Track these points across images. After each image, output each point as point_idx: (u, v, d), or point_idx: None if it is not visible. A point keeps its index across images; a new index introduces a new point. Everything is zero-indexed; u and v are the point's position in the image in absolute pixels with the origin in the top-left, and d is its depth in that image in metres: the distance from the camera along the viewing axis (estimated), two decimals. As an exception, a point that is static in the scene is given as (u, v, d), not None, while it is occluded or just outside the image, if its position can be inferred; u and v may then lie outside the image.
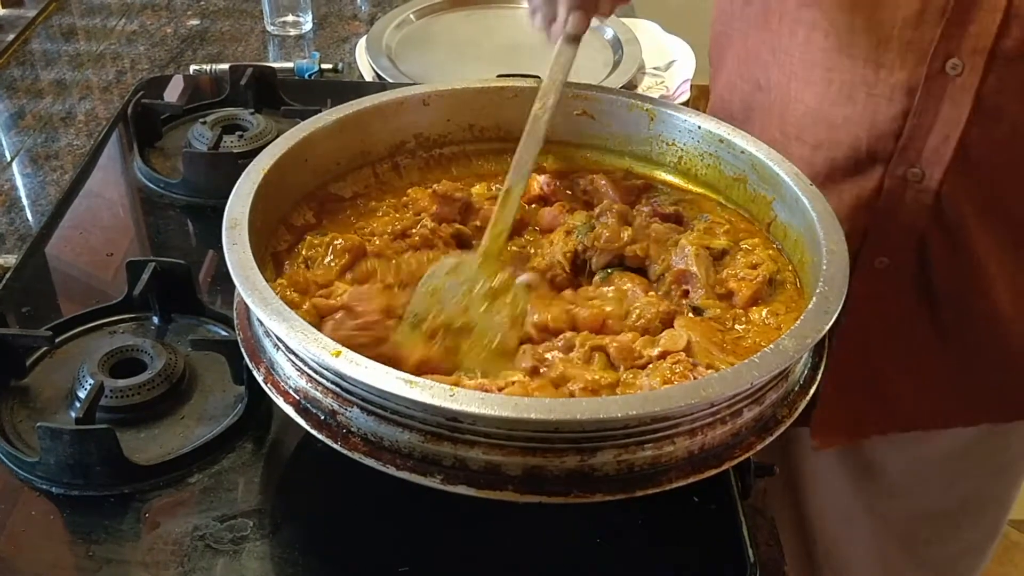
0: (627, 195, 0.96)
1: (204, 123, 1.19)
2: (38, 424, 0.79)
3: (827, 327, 0.73)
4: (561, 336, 0.80)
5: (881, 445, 1.18)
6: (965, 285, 1.04)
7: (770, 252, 0.89)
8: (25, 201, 1.22)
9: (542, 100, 0.92)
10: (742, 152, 0.94)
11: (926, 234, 1.01)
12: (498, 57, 1.40)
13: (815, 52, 0.99)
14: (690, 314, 0.84)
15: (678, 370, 0.75)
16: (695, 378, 0.74)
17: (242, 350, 0.79)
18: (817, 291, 0.75)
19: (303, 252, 0.88)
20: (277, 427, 0.86)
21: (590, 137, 1.02)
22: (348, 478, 0.76)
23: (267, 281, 0.74)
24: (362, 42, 1.47)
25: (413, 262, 0.87)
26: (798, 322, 0.73)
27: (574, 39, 0.94)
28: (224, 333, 0.93)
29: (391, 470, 0.70)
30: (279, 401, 0.75)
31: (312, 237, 0.89)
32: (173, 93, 1.35)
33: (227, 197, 0.82)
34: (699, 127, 0.97)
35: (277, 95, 1.28)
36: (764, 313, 0.83)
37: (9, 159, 1.30)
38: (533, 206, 0.97)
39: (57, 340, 0.91)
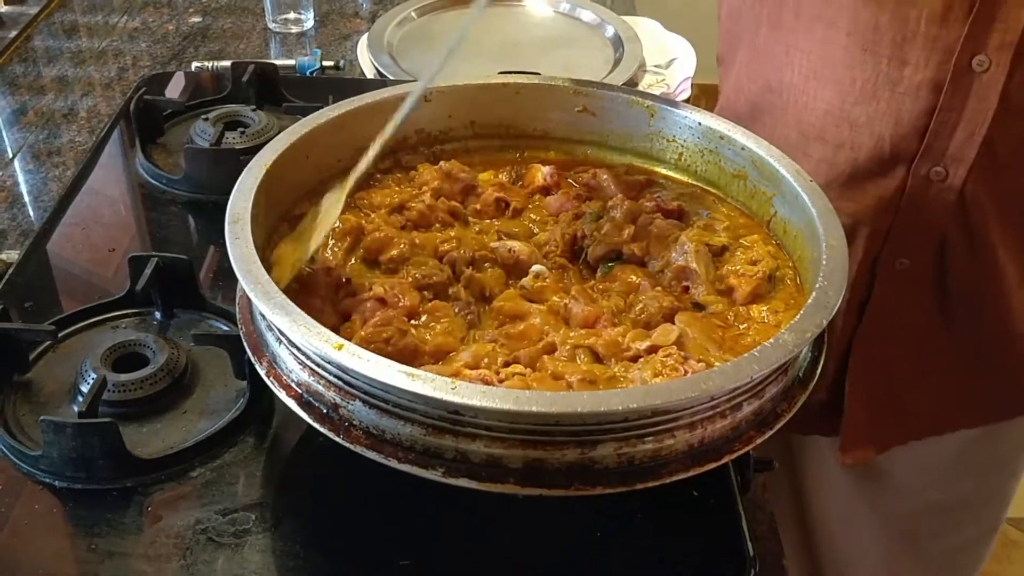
0: (629, 190, 0.97)
1: (206, 119, 1.20)
2: (41, 418, 0.79)
3: (827, 321, 0.73)
4: (542, 339, 0.80)
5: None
6: (980, 283, 1.04)
7: (770, 248, 0.90)
8: (27, 197, 1.22)
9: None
10: (742, 149, 0.94)
11: (947, 233, 1.01)
12: (499, 54, 1.41)
13: (836, 50, 0.98)
14: (692, 310, 0.84)
15: (669, 363, 0.75)
16: (686, 372, 0.74)
17: (244, 344, 0.80)
18: (817, 286, 0.76)
19: None
20: (279, 421, 0.86)
21: (591, 134, 1.02)
22: (350, 472, 0.76)
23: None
24: (363, 39, 1.47)
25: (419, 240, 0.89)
26: (798, 317, 0.73)
27: None
28: (226, 328, 0.93)
29: (393, 463, 0.70)
30: (281, 395, 0.75)
31: None
32: (175, 90, 1.35)
33: (229, 193, 0.83)
34: (699, 124, 0.97)
35: (279, 92, 1.28)
36: (764, 311, 0.83)
37: (11, 155, 1.30)
38: (536, 197, 0.98)
39: (60, 335, 0.91)
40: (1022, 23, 0.89)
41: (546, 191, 0.98)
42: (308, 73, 1.48)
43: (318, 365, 0.73)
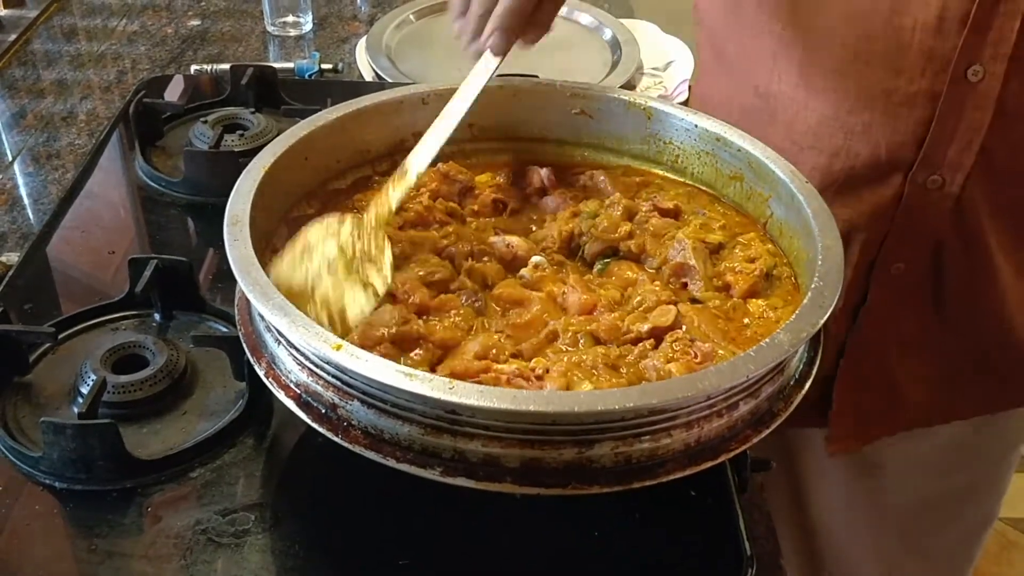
0: (626, 191, 0.97)
1: (205, 122, 1.20)
2: (41, 419, 0.79)
3: (822, 321, 0.73)
4: (545, 328, 0.81)
5: (880, 440, 1.18)
6: (975, 285, 1.05)
7: (768, 247, 0.90)
8: (27, 200, 1.23)
9: (462, 100, 0.91)
10: (739, 151, 0.94)
11: (942, 238, 1.01)
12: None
13: (829, 59, 0.98)
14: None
15: (678, 348, 0.76)
16: (695, 354, 0.76)
17: (243, 345, 0.80)
18: (812, 286, 0.76)
19: None
20: (278, 422, 0.86)
21: (588, 136, 1.03)
22: (349, 472, 0.76)
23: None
24: (362, 42, 1.48)
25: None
26: (794, 316, 0.74)
27: (499, 54, 0.90)
28: (225, 329, 0.94)
29: (391, 463, 0.70)
30: (280, 395, 0.75)
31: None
32: (174, 93, 1.35)
33: (228, 195, 0.83)
34: (696, 126, 0.97)
35: (277, 95, 1.29)
36: (763, 306, 0.84)
37: (11, 158, 1.31)
38: (534, 198, 0.98)
39: (60, 337, 0.92)
40: (1015, 33, 0.90)
41: (543, 193, 0.98)
42: (307, 76, 1.49)
43: (316, 365, 0.73)
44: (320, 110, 0.96)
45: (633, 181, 0.99)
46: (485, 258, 0.89)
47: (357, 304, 0.79)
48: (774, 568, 0.83)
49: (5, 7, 1.67)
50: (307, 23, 1.65)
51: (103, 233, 1.11)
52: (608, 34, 1.49)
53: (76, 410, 0.83)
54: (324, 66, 1.51)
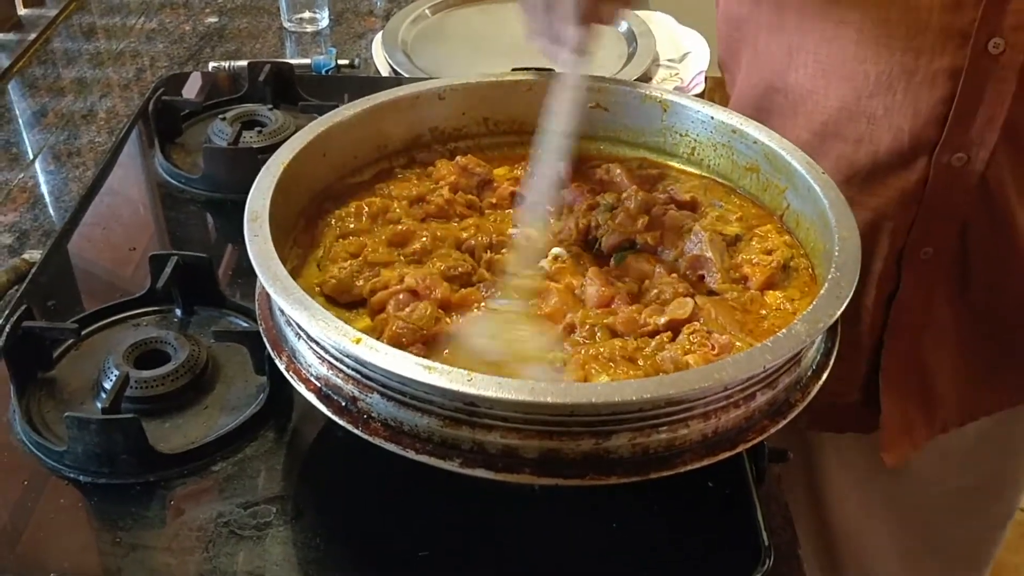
0: (642, 184, 0.97)
1: (223, 119, 1.21)
2: (66, 414, 0.80)
3: (839, 312, 0.74)
4: (565, 320, 0.82)
5: None
6: (1000, 263, 1.04)
7: (785, 238, 0.90)
8: (48, 198, 1.24)
9: (560, 123, 0.90)
10: (755, 142, 0.94)
11: (969, 219, 1.01)
12: (512, 51, 1.40)
13: (846, 46, 0.98)
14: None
15: (696, 340, 0.77)
16: (713, 346, 0.76)
17: (264, 340, 0.81)
18: (829, 276, 0.76)
19: (335, 225, 0.91)
20: (298, 415, 0.87)
21: (603, 129, 1.03)
22: (369, 464, 0.77)
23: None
24: (378, 38, 1.48)
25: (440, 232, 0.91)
26: (811, 307, 0.74)
27: (582, 53, 0.90)
28: (245, 324, 0.94)
29: (411, 454, 0.71)
30: (301, 388, 0.76)
31: (339, 211, 0.92)
32: (192, 90, 1.36)
33: (247, 192, 0.84)
34: (712, 118, 0.97)
35: (295, 91, 1.29)
36: (780, 298, 0.84)
37: (32, 157, 1.32)
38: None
39: (83, 333, 0.93)
40: None
41: (560, 186, 0.99)
42: (324, 72, 1.49)
43: (336, 359, 0.74)
44: (337, 106, 0.97)
45: (649, 174, 0.99)
46: (504, 250, 0.90)
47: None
48: (792, 559, 0.83)
49: (25, 6, 1.68)
50: (324, 19, 1.66)
51: (124, 230, 1.12)
52: (624, 26, 1.49)
53: (100, 405, 0.84)
54: (341, 62, 1.51)
